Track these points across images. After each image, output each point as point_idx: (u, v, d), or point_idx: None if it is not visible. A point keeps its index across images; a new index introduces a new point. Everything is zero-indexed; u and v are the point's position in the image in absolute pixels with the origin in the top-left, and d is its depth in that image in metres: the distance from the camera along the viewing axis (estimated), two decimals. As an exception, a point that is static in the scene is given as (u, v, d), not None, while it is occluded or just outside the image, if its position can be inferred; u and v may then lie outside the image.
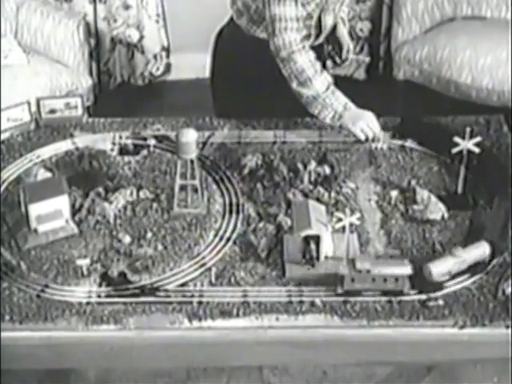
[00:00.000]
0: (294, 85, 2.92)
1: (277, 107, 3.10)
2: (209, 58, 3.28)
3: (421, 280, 2.40)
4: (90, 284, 2.42)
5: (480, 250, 2.46)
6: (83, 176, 2.81)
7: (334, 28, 3.20)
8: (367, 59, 2.99)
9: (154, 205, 2.68)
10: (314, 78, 2.89)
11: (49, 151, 2.94)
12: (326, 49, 3.27)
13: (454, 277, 2.41)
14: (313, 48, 3.05)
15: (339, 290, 2.37)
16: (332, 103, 2.92)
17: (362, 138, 2.93)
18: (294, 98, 2.98)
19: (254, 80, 3.05)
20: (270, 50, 2.94)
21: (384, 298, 2.36)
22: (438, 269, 2.40)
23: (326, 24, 3.03)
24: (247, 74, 3.04)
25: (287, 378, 3.22)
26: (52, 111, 3.02)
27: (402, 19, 4.57)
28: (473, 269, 2.43)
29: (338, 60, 3.25)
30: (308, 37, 2.98)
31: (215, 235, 2.59)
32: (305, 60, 2.89)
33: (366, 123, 2.93)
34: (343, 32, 3.22)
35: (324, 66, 3.41)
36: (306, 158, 2.88)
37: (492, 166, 2.82)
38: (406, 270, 2.35)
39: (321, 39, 3.11)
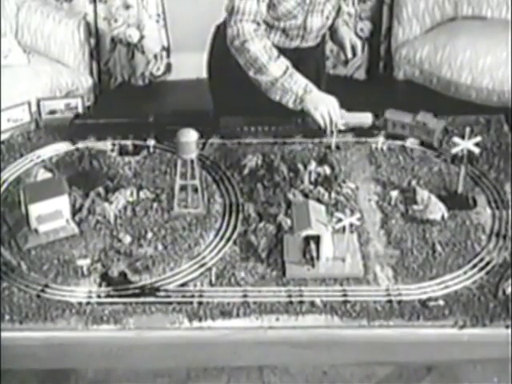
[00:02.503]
0: (251, 73, 2.94)
1: (272, 103, 3.10)
2: (206, 56, 3.29)
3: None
4: (90, 284, 2.42)
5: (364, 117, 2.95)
6: (83, 176, 2.82)
7: (335, 29, 3.22)
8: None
9: (155, 205, 2.68)
10: (269, 63, 2.89)
11: (49, 151, 2.94)
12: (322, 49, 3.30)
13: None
14: (310, 48, 3.11)
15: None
16: (291, 87, 2.90)
17: (322, 123, 2.90)
18: None
19: (243, 76, 3.06)
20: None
21: (384, 298, 2.36)
22: None
23: (313, 25, 3.04)
24: (244, 71, 3.05)
25: (287, 377, 3.22)
26: (52, 112, 3.02)
27: (403, 19, 4.58)
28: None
29: (343, 59, 3.27)
30: (269, 26, 3.00)
31: (215, 235, 2.59)
32: (258, 47, 2.90)
33: (327, 109, 2.89)
34: (343, 33, 3.21)
35: (324, 66, 3.43)
36: (306, 158, 2.88)
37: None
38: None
39: (310, 41, 3.12)
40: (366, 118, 3.02)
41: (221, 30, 3.19)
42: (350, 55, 3.19)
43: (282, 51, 2.99)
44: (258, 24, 2.92)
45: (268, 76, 2.90)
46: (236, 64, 3.01)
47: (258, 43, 2.89)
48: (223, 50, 3.06)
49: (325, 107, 2.88)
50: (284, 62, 2.91)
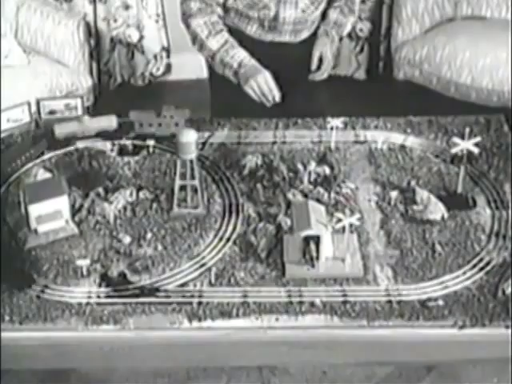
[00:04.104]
0: (196, 49, 3.00)
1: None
2: None
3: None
4: (90, 284, 2.42)
5: (108, 121, 2.93)
6: (83, 176, 2.82)
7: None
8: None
9: (154, 205, 2.68)
10: (208, 39, 2.94)
11: (49, 151, 2.94)
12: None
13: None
14: (291, 44, 3.10)
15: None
16: (228, 61, 2.94)
17: (253, 96, 2.92)
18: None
19: None
20: (259, 46, 3.00)
21: (384, 299, 2.36)
22: (62, 129, 2.89)
23: (285, 16, 3.02)
24: None
25: (287, 377, 3.22)
26: (52, 112, 3.02)
27: (402, 19, 4.58)
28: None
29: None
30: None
31: (215, 235, 2.59)
32: (199, 23, 2.95)
33: (257, 82, 2.91)
34: (318, 42, 3.16)
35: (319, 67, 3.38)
36: (306, 158, 2.88)
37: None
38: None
39: (286, 34, 3.09)
40: (110, 122, 2.97)
41: None
42: (313, 67, 3.14)
43: (261, 44, 3.02)
44: (207, 4, 2.95)
45: (208, 51, 2.96)
46: None
47: (199, 19, 2.95)
48: None
49: (254, 80, 2.90)
50: (224, 37, 2.94)
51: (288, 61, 3.08)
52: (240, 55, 2.94)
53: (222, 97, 3.24)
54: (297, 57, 3.14)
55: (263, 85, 2.91)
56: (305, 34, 3.16)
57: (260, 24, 3.05)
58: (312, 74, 3.12)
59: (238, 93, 3.03)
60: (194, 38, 3.00)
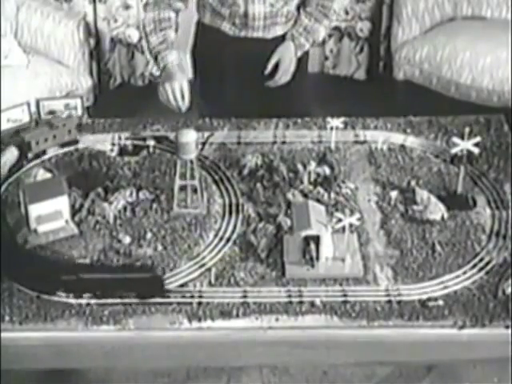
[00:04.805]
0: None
1: (252, 103, 3.11)
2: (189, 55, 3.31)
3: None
4: (90, 284, 2.42)
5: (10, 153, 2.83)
6: (83, 176, 2.82)
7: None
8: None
9: (154, 205, 2.68)
10: (150, 34, 2.96)
11: (49, 152, 2.94)
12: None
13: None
14: (265, 40, 3.07)
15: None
16: (158, 61, 2.95)
17: (161, 99, 2.92)
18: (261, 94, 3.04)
19: (224, 76, 3.07)
20: (234, 42, 3.02)
21: (384, 299, 2.36)
22: None
23: (255, 12, 3.01)
24: (217, 69, 3.07)
25: (287, 377, 3.22)
26: (51, 112, 3.02)
27: (402, 19, 4.58)
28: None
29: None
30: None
31: (215, 235, 2.59)
32: (148, 16, 2.98)
33: (165, 89, 2.90)
34: (280, 47, 3.08)
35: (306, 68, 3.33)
36: (306, 158, 2.88)
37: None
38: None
39: (259, 30, 3.06)
40: (12, 153, 2.88)
41: (200, 27, 3.20)
42: (266, 71, 3.07)
43: (236, 41, 3.03)
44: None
45: (148, 46, 2.99)
46: (219, 62, 3.03)
47: (150, 13, 2.98)
48: (205, 48, 3.08)
49: (163, 87, 2.90)
50: (164, 36, 2.95)
51: (263, 57, 3.06)
52: (168, 59, 2.93)
53: (207, 97, 3.24)
54: (271, 53, 3.08)
55: (169, 93, 2.89)
56: (279, 31, 3.10)
57: (232, 21, 3.05)
58: (267, 82, 3.07)
59: (223, 93, 3.04)
60: (142, 31, 3.04)
